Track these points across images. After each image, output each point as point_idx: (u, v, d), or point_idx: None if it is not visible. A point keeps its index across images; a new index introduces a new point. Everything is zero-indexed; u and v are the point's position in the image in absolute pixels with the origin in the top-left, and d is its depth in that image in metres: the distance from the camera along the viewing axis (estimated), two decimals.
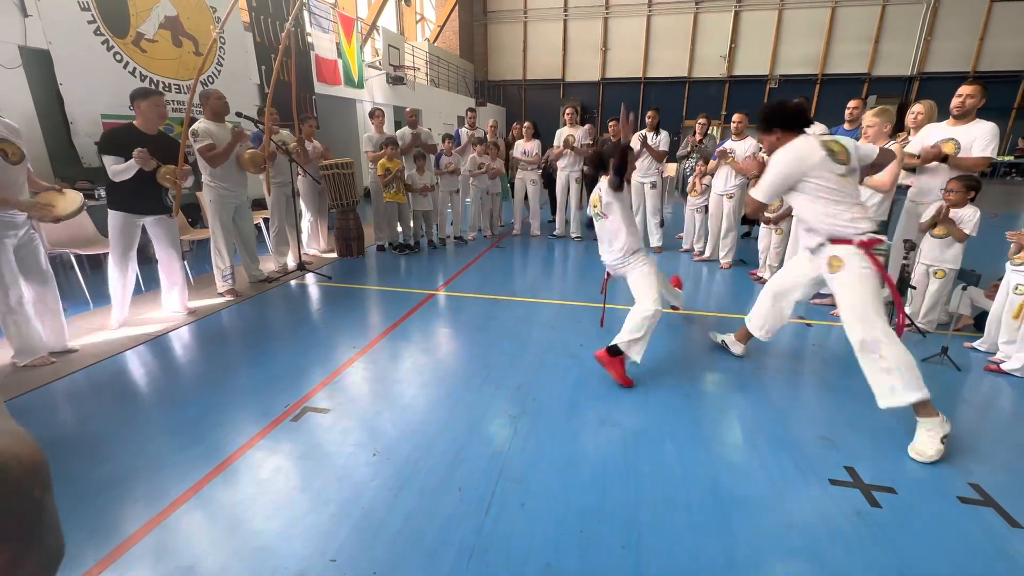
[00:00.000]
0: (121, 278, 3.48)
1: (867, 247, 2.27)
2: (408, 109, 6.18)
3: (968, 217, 3.30)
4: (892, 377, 2.17)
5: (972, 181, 3.31)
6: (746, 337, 3.09)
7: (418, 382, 2.84)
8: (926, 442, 2.17)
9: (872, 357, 2.23)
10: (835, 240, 2.36)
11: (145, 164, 3.23)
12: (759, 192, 2.50)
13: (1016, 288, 3.01)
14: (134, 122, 3.37)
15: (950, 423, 2.20)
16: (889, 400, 2.18)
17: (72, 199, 3.07)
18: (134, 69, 5.37)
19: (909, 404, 2.16)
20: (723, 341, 3.23)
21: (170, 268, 3.72)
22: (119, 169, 3.22)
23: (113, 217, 3.40)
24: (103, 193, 4.78)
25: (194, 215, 5.64)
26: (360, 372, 2.95)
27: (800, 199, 2.42)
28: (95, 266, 4.80)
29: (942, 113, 3.79)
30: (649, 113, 5.72)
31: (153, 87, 5.58)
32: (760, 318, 2.94)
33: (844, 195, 2.32)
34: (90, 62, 4.95)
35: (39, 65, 4.65)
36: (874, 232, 2.29)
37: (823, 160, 2.31)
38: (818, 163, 2.31)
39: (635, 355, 2.75)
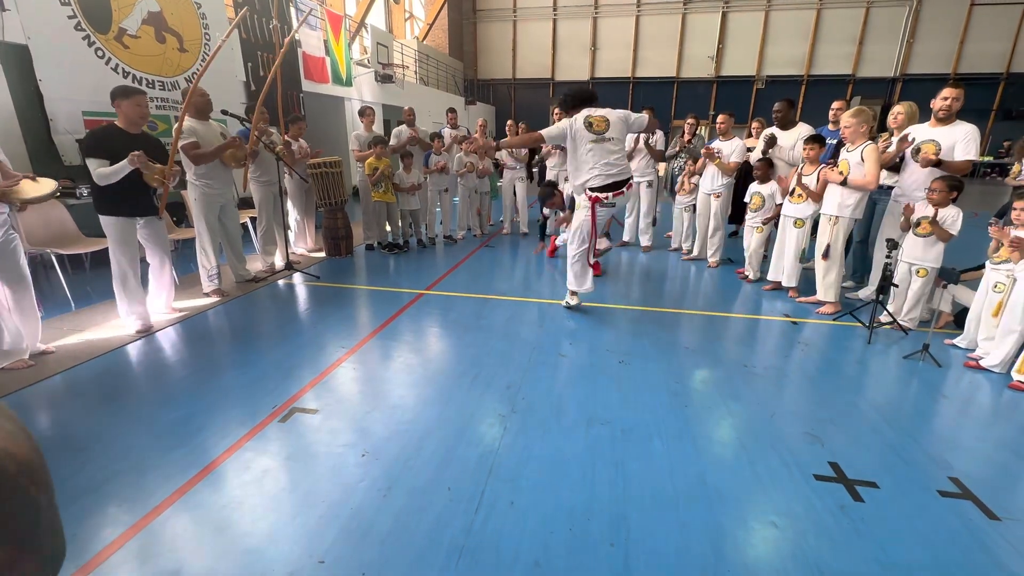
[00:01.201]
0: (134, 281, 3.39)
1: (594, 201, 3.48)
2: (406, 108, 6.17)
3: (951, 217, 3.37)
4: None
5: (955, 182, 3.38)
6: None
7: (407, 382, 2.83)
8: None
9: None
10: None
11: (144, 167, 3.12)
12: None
13: (995, 286, 3.08)
14: (116, 122, 3.26)
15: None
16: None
17: (44, 185, 2.96)
18: (116, 65, 5.27)
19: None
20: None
21: (161, 271, 3.64)
22: (108, 172, 3.09)
23: (110, 224, 3.25)
24: (85, 192, 4.70)
25: (179, 214, 5.55)
26: (349, 372, 2.93)
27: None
28: (77, 266, 4.72)
29: (923, 114, 3.87)
30: (645, 112, 5.73)
31: (135, 84, 5.49)
32: None
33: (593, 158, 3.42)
34: (70, 58, 4.84)
35: (17, 60, 4.54)
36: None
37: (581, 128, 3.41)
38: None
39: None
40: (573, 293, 3.87)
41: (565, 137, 3.49)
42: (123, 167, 3.11)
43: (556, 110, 6.30)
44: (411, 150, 5.92)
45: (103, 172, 3.10)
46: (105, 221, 3.28)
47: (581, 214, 3.64)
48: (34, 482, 0.39)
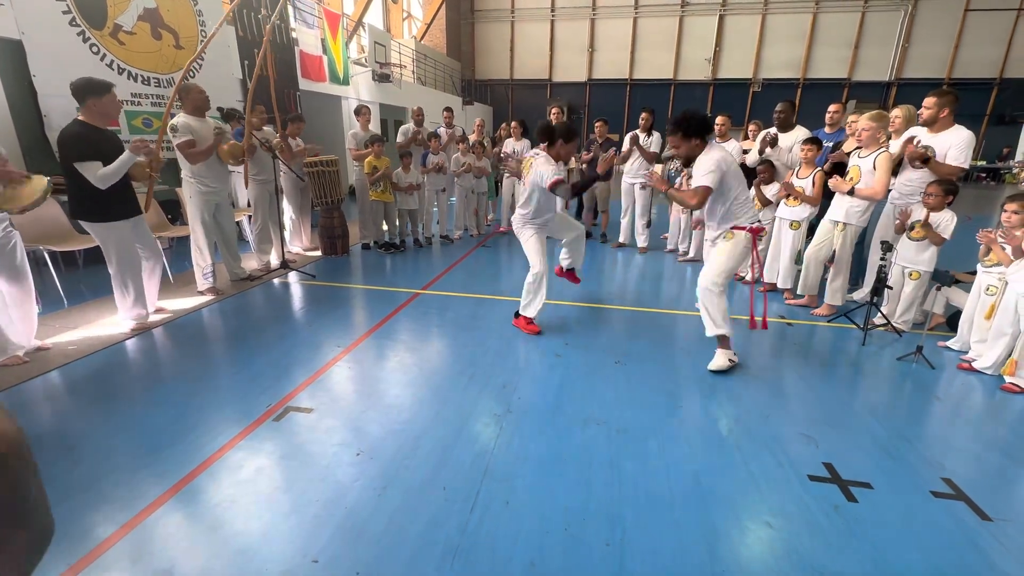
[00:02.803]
0: (135, 285, 3.34)
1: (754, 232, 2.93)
2: (415, 107, 6.25)
3: (945, 221, 3.39)
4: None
5: (950, 185, 3.40)
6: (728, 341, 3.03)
7: (403, 381, 2.83)
8: (720, 360, 2.96)
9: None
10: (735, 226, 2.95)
11: (148, 152, 3.05)
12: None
13: (987, 289, 3.10)
14: (83, 119, 3.01)
15: (737, 357, 3.04)
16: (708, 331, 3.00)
17: (36, 186, 2.86)
18: (111, 62, 5.24)
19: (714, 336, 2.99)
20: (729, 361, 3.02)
21: (152, 273, 3.58)
22: (111, 170, 2.94)
23: (105, 230, 3.12)
24: None
25: (174, 212, 5.52)
26: (344, 371, 2.92)
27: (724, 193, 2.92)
28: (70, 263, 4.68)
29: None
30: (643, 115, 5.70)
31: (109, 80, 5.46)
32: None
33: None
34: (65, 54, 4.80)
35: (11, 56, 4.50)
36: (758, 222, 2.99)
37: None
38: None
39: (530, 312, 3.49)
40: (724, 341, 2.99)
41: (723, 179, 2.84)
42: (128, 159, 3.00)
43: (554, 111, 6.32)
44: (411, 149, 5.92)
45: (106, 172, 2.95)
46: (98, 228, 3.13)
47: (737, 250, 2.91)
48: (22, 460, 0.40)
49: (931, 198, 3.40)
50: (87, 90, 2.99)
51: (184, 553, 1.63)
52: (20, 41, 4.49)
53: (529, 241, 3.48)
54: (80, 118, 3.02)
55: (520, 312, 3.54)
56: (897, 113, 4.01)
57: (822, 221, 3.99)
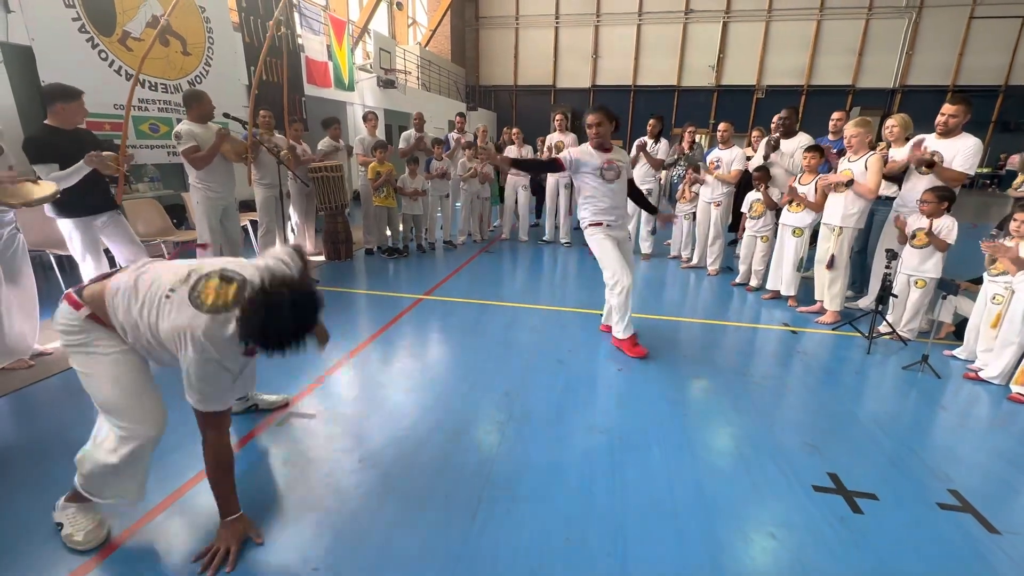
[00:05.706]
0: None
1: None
2: (416, 113, 6.26)
3: (947, 227, 3.37)
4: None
5: (945, 192, 3.39)
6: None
7: (405, 387, 2.82)
8: None
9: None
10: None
11: (103, 167, 3.02)
12: None
13: (993, 298, 3.08)
14: (48, 122, 3.05)
15: None
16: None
17: (45, 187, 2.93)
18: (120, 68, 5.29)
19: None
20: None
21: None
22: (63, 175, 2.96)
23: (68, 225, 3.19)
24: None
25: (179, 216, 5.56)
26: (347, 377, 2.92)
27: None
28: (75, 266, 4.69)
29: (917, 126, 3.88)
30: (651, 121, 5.69)
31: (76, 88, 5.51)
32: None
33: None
34: (74, 60, 4.86)
35: (21, 62, 4.55)
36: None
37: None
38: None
39: (618, 331, 3.27)
40: None
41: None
42: (80, 168, 2.98)
43: (558, 117, 6.34)
44: (416, 155, 5.95)
45: (59, 175, 2.97)
46: (64, 224, 3.19)
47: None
48: None
49: (926, 205, 3.40)
50: (56, 95, 3.04)
51: (182, 559, 1.62)
52: (30, 47, 4.55)
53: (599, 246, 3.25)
54: (46, 122, 3.07)
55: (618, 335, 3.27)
56: (893, 122, 4.01)
57: (821, 229, 4.00)
